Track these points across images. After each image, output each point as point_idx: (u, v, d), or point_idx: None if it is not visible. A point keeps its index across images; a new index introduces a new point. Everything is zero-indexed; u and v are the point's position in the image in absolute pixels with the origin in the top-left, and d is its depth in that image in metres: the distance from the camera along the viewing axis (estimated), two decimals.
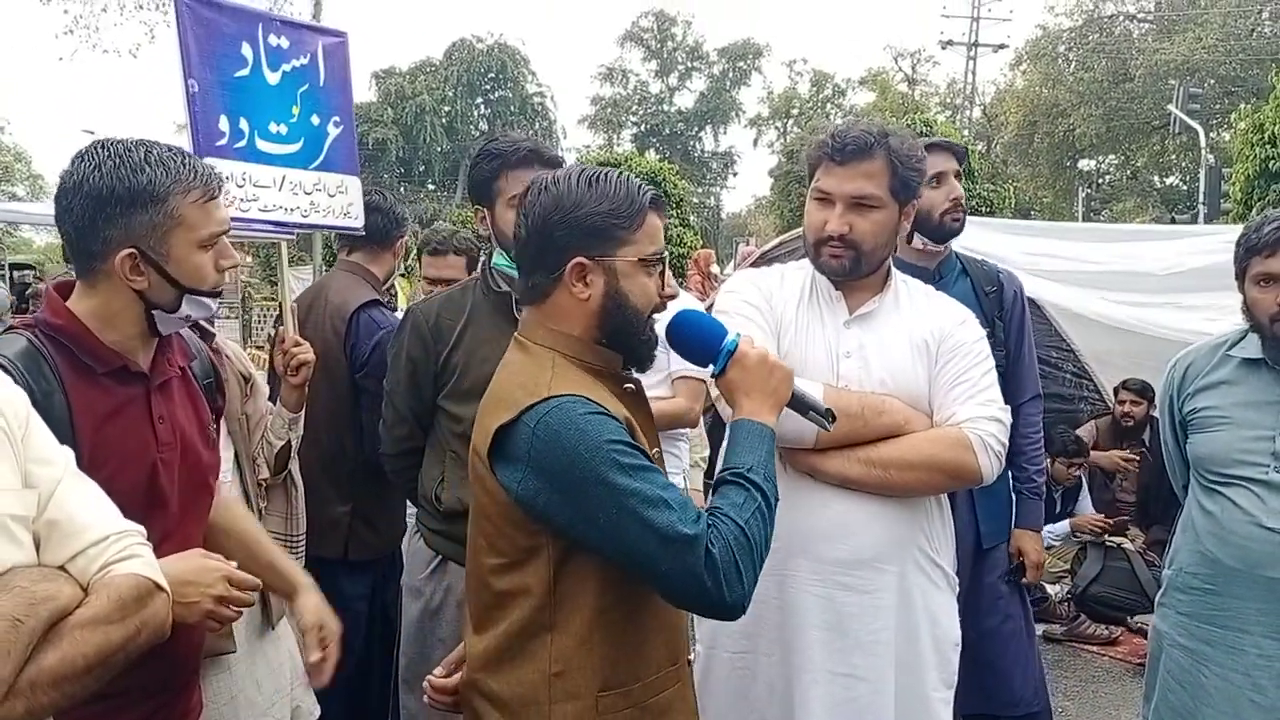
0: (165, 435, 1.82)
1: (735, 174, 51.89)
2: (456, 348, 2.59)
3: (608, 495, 1.54)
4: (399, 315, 3.48)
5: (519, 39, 52.95)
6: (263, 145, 2.89)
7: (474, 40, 44.20)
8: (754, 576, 1.60)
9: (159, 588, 1.39)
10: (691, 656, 1.83)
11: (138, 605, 1.34)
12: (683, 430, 3.85)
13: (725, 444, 1.80)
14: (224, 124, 2.79)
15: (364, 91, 40.76)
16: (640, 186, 1.72)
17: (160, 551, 1.49)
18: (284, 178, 2.94)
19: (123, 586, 1.34)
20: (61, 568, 1.34)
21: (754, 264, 5.23)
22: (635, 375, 1.83)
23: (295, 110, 2.96)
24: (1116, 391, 6.29)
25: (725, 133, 50.95)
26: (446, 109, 42.20)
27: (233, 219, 2.74)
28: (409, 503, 3.02)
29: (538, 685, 1.66)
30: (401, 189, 38.93)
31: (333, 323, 3.24)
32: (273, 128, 2.92)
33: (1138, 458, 6.19)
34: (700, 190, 44.56)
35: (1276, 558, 2.36)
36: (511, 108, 43.99)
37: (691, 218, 24.37)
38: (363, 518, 3.24)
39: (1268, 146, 13.70)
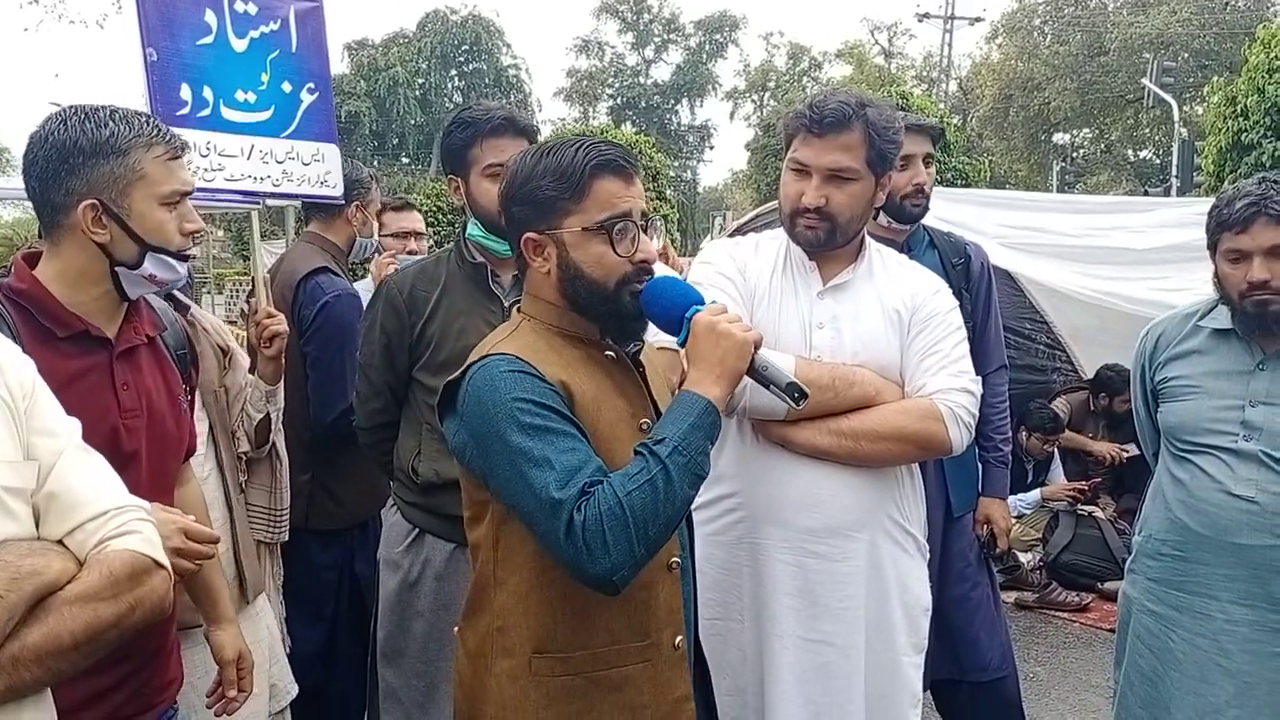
0: (129, 401, 1.83)
1: (712, 147, 51.49)
2: (431, 319, 2.57)
3: (503, 451, 1.58)
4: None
5: (493, 10, 52.47)
6: (229, 113, 2.84)
7: (448, 12, 43.67)
8: (628, 550, 1.53)
9: (158, 564, 1.37)
10: (679, 640, 1.77)
11: (132, 582, 1.33)
12: None
13: None
14: (185, 92, 2.74)
15: (336, 63, 40.13)
16: (588, 153, 1.68)
17: None
18: (253, 146, 2.89)
19: (115, 562, 1.32)
20: (60, 542, 1.33)
21: (730, 236, 5.22)
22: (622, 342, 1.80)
23: (265, 77, 2.91)
24: (1118, 390, 6.10)
25: (702, 106, 50.72)
26: (420, 81, 41.75)
27: (199, 190, 2.71)
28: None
29: (485, 638, 1.72)
30: (375, 162, 38.51)
31: (281, 292, 3.23)
32: (240, 95, 2.86)
33: (1130, 448, 6.05)
34: (677, 164, 44.33)
35: (1244, 524, 2.40)
36: (486, 80, 43.59)
37: (668, 191, 24.28)
38: (322, 486, 3.22)
39: (1240, 119, 13.75)
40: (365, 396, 2.69)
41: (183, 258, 1.88)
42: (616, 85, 49.43)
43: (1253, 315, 2.41)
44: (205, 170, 2.78)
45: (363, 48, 42.24)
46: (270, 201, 3.07)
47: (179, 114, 2.72)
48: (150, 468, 1.87)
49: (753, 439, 2.28)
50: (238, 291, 18.70)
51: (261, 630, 2.58)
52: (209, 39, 2.79)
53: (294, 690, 2.68)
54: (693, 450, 1.60)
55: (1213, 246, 2.50)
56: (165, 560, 1.39)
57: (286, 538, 2.83)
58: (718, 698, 2.30)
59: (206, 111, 2.79)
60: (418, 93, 41.48)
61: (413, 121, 40.97)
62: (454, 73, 44.30)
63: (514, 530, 1.66)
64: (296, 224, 3.61)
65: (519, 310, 1.80)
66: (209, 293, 18.37)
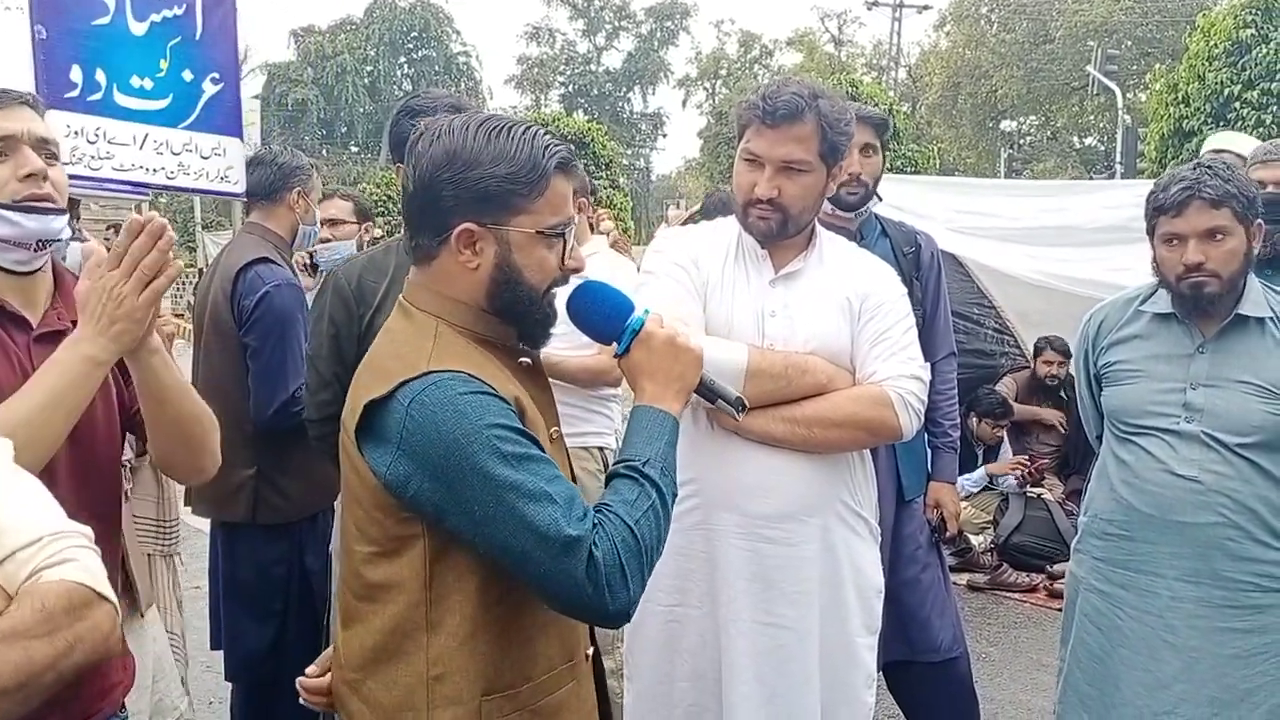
0: None
1: (664, 135, 51.60)
2: (380, 310, 2.54)
3: (484, 486, 1.38)
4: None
5: None
6: (122, 99, 2.72)
7: None
8: (641, 581, 1.45)
9: (101, 597, 1.21)
10: (590, 651, 1.71)
11: (69, 616, 1.16)
12: (614, 391, 3.85)
13: (625, 430, 1.64)
14: (76, 74, 2.62)
15: (283, 51, 39.76)
16: (548, 147, 1.51)
17: None
18: (147, 135, 2.76)
19: (50, 594, 1.16)
20: None
21: (682, 225, 5.23)
22: (534, 346, 1.69)
23: (164, 64, 2.78)
24: (1040, 350, 6.41)
25: (654, 93, 50.84)
26: (369, 69, 41.27)
27: (83, 178, 2.61)
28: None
29: (414, 689, 1.50)
30: (323, 151, 38.07)
31: (221, 283, 3.16)
32: (135, 81, 2.74)
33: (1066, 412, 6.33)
34: (630, 152, 44.33)
35: (1188, 503, 2.44)
36: (436, 67, 43.18)
37: (621, 179, 24.24)
38: (268, 480, 3.15)
39: (1181, 106, 14.06)
40: (314, 388, 2.65)
41: (26, 210, 1.65)
42: (568, 73, 49.23)
43: (1189, 297, 2.45)
44: (92, 158, 2.66)
45: (309, 34, 41.65)
46: (167, 193, 2.97)
47: (67, 96, 2.61)
48: (72, 483, 1.65)
49: (706, 426, 2.29)
50: (182, 284, 18.37)
51: (147, 644, 2.39)
52: (105, 19, 2.66)
53: (182, 705, 2.54)
54: (671, 470, 1.56)
55: (1150, 231, 2.54)
56: (109, 592, 1.23)
57: (179, 550, 2.70)
58: (678, 683, 2.33)
59: (98, 96, 2.67)
60: (366, 80, 41.00)
61: (361, 109, 40.48)
62: (403, 60, 43.81)
63: (451, 566, 1.48)
64: (244, 215, 3.55)
65: (417, 309, 1.57)
66: None
